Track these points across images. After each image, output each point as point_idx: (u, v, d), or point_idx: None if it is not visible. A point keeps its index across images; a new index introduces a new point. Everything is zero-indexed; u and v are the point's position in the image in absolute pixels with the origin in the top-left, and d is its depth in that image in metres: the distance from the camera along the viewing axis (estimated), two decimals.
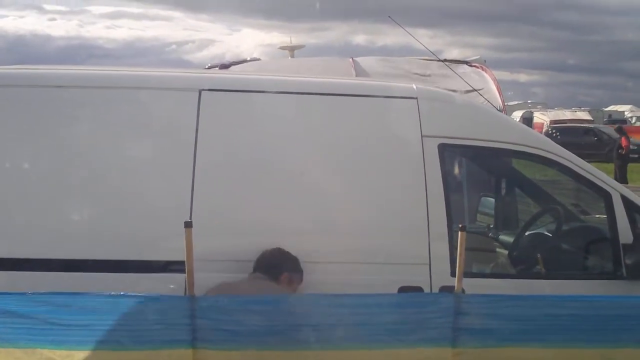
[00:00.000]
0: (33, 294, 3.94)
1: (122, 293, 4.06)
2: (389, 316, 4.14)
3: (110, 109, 4.85)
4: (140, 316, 3.94)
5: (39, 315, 3.90)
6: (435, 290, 4.76)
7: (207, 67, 11.83)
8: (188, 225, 3.92)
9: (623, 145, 25.34)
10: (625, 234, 5.06)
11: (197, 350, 3.92)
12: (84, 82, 4.96)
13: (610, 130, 42.56)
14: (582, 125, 45.59)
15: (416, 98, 5.05)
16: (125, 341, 3.90)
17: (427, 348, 4.08)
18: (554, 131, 40.88)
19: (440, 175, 4.92)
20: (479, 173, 6.87)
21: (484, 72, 10.70)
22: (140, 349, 3.91)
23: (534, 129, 46.23)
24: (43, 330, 3.89)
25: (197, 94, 4.86)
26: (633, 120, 61.06)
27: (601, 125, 46.65)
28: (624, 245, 5.03)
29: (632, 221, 5.11)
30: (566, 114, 52.16)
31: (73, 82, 4.96)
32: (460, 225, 4.14)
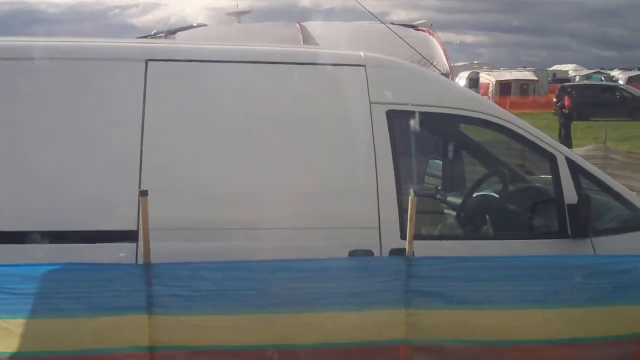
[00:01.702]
0: None
1: (76, 262, 4.09)
2: (341, 280, 4.23)
3: (56, 81, 4.79)
4: (96, 284, 3.99)
5: None
6: (385, 253, 4.82)
7: (152, 33, 11.71)
8: (144, 194, 3.93)
9: (566, 105, 25.73)
10: (569, 195, 5.18)
11: (153, 315, 3.98)
12: (28, 54, 4.87)
13: (632, 89, 42.47)
14: (602, 83, 45.79)
15: (364, 65, 5.09)
16: (82, 308, 3.95)
17: (381, 310, 4.17)
18: (569, 89, 40.96)
19: (389, 140, 4.99)
20: (427, 137, 6.94)
21: (430, 37, 10.78)
22: (96, 315, 3.96)
23: (480, 88, 46.56)
24: None
25: (144, 64, 4.84)
26: (577, 79, 61.96)
27: (622, 84, 47.17)
28: (569, 206, 5.15)
29: (576, 182, 5.24)
30: (511, 74, 52.79)
31: (16, 54, 4.87)
32: (411, 190, 4.22)
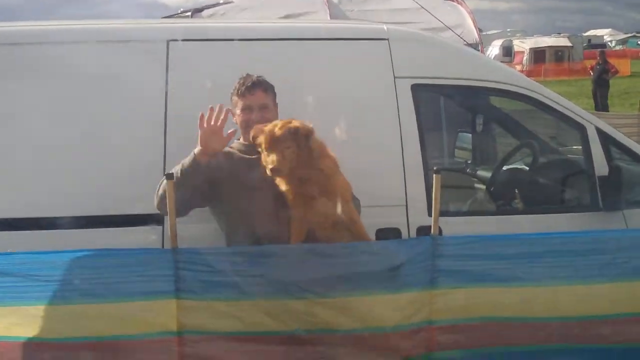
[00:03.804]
0: (14, 253, 3.93)
1: (104, 248, 4.07)
2: (370, 264, 4.15)
3: (78, 64, 4.73)
4: (123, 269, 3.95)
5: (20, 273, 3.89)
6: (413, 231, 4.78)
7: (179, 11, 11.68)
8: (169, 177, 3.89)
9: (612, 71, 25.20)
10: (601, 166, 5.10)
11: (181, 300, 3.95)
12: (49, 38, 4.86)
13: None
14: None
15: (387, 39, 5.01)
16: (109, 294, 3.90)
17: (409, 292, 4.09)
18: None
19: (414, 115, 4.91)
20: (455, 111, 6.86)
21: (459, 6, 10.63)
22: (123, 301, 3.92)
23: (513, 56, 45.74)
24: (26, 287, 3.88)
25: (165, 44, 4.80)
26: (612, 44, 61.03)
27: None
28: (600, 178, 5.07)
29: (607, 153, 5.14)
30: (545, 41, 52.08)
31: (38, 38, 4.85)
32: (434, 169, 4.13)
